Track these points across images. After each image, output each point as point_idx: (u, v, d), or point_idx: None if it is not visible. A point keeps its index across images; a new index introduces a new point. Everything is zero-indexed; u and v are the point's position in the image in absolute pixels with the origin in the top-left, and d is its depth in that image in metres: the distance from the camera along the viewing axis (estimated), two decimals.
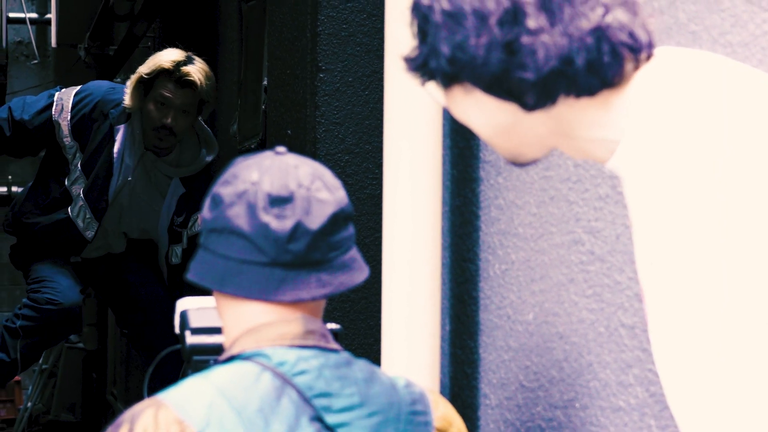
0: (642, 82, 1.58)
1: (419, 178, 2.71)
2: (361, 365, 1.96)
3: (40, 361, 9.48)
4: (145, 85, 4.55)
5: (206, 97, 4.59)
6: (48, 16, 10.38)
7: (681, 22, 2.07)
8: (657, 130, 1.52)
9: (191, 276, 1.92)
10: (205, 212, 1.93)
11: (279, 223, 1.86)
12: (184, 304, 2.22)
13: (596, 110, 1.59)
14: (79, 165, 4.74)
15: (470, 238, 2.84)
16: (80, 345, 9.03)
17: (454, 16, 1.56)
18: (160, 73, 4.50)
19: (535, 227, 2.56)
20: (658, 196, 1.48)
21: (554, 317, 2.49)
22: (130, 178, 4.75)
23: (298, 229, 1.87)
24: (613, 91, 1.58)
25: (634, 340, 2.21)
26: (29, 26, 10.56)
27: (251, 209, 1.87)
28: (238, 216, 1.87)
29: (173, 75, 4.49)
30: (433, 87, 1.66)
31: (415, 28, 1.62)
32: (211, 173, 4.81)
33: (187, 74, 4.49)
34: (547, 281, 2.51)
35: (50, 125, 4.69)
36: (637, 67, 1.59)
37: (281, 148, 1.95)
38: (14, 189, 9.03)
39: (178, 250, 4.84)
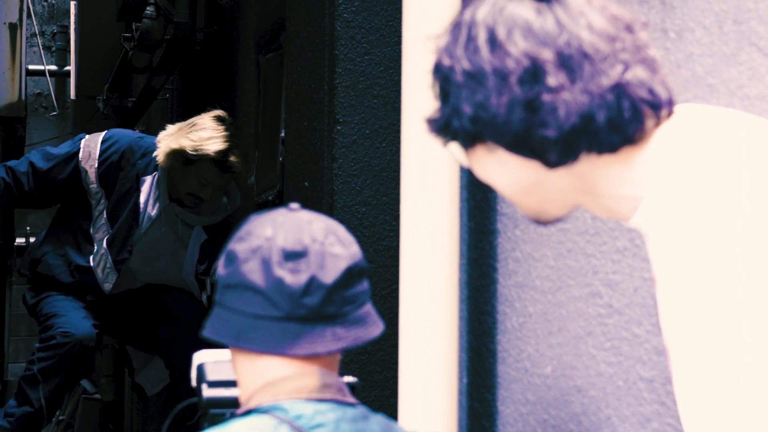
0: (663, 139, 1.58)
1: (436, 231, 2.71)
2: (378, 419, 1.95)
3: (57, 411, 9.46)
4: (186, 158, 4.58)
5: (241, 174, 4.67)
6: (67, 68, 10.45)
7: (698, 75, 2.07)
8: (679, 186, 1.53)
9: (207, 333, 1.92)
10: (220, 269, 1.93)
11: (293, 277, 1.87)
12: (200, 357, 2.22)
13: (618, 167, 1.60)
14: (104, 212, 4.77)
15: (488, 290, 2.83)
16: (97, 396, 9.02)
17: (475, 76, 1.57)
18: (205, 157, 4.55)
19: (553, 280, 2.55)
20: (682, 252, 1.48)
21: (572, 370, 2.47)
22: (151, 230, 4.77)
23: (312, 283, 1.87)
24: (635, 147, 1.59)
25: (653, 394, 2.20)
26: (48, 78, 10.63)
27: (266, 264, 1.87)
28: (253, 271, 1.88)
29: (218, 163, 4.56)
30: (455, 148, 1.66)
31: (437, 90, 1.63)
32: (229, 221, 4.83)
33: (232, 165, 4.57)
34: (565, 334, 2.50)
35: (76, 172, 4.73)
36: (657, 124, 1.59)
37: (295, 205, 1.96)
38: (32, 240, 9.06)
39: (203, 297, 4.85)
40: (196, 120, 4.63)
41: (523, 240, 2.68)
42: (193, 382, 2.24)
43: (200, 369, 2.20)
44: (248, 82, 5.01)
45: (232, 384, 2.13)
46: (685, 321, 1.46)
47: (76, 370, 4.83)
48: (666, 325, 1.52)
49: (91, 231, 4.81)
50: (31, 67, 10.27)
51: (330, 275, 1.88)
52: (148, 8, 6.28)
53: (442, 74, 1.62)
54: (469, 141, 1.64)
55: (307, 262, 1.88)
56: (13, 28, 7.41)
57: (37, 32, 10.70)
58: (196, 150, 4.54)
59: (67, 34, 10.43)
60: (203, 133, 4.56)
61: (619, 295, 2.30)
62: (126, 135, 4.86)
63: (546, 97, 1.55)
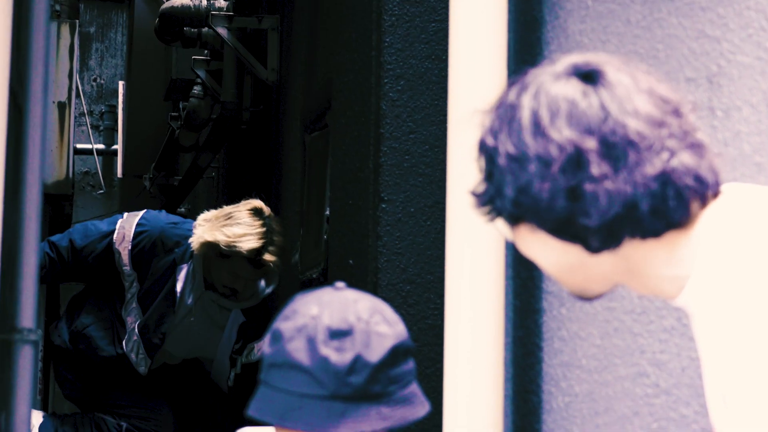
0: (709, 219, 1.57)
1: (481, 309, 2.70)
2: None
3: None
4: (219, 252, 4.56)
5: (277, 271, 4.63)
6: (114, 147, 10.57)
7: (746, 154, 2.06)
8: (726, 266, 1.51)
9: (252, 412, 1.92)
10: (266, 348, 1.93)
11: (339, 356, 1.86)
12: None
13: (663, 250, 1.58)
14: (135, 296, 4.75)
15: (533, 369, 2.81)
16: None
17: (518, 160, 1.56)
18: (238, 254, 4.52)
19: (599, 359, 2.53)
20: (730, 332, 1.46)
21: None
22: (186, 318, 4.77)
23: (357, 361, 1.86)
24: (680, 231, 1.57)
25: None
26: (96, 157, 10.76)
27: (311, 343, 1.87)
28: (298, 350, 1.87)
29: (251, 261, 4.52)
30: (500, 223, 1.66)
31: (482, 165, 1.62)
32: (267, 302, 4.82)
33: (266, 263, 4.51)
34: (612, 414, 2.47)
35: (110, 253, 4.72)
36: (703, 206, 1.57)
37: (340, 284, 1.96)
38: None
39: (231, 374, 4.84)
40: (233, 212, 4.55)
41: (569, 319, 2.66)
42: None
43: None
44: (294, 160, 5.03)
45: None
46: (734, 404, 1.44)
47: None
48: (713, 407, 1.50)
49: (123, 314, 4.80)
50: (78, 145, 10.39)
51: (375, 354, 1.87)
52: (195, 88, 6.35)
53: (486, 153, 1.61)
54: (512, 220, 1.63)
55: (353, 341, 1.87)
56: (62, 107, 7.51)
57: (85, 111, 10.84)
58: (229, 246, 4.47)
59: (115, 113, 10.56)
60: (237, 230, 4.49)
61: (667, 375, 2.28)
62: (158, 222, 4.77)
63: (588, 186, 1.53)
